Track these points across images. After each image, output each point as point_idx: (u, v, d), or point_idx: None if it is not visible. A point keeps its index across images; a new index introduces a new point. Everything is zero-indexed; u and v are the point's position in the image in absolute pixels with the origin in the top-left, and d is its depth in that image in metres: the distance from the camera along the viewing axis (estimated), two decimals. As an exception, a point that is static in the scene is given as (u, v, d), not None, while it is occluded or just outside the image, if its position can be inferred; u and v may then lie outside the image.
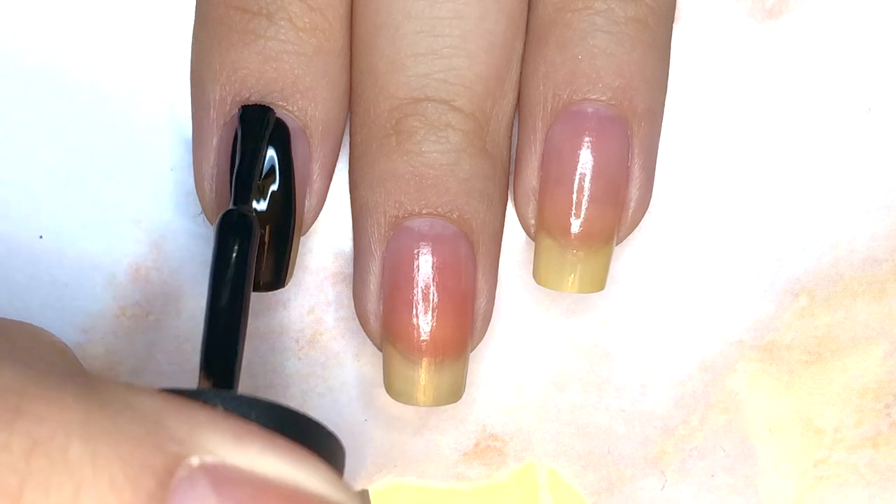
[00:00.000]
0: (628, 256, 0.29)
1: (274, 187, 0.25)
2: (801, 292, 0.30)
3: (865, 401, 0.30)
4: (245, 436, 0.17)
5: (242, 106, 0.25)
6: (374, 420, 0.30)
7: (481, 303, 0.26)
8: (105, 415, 0.16)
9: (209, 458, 0.17)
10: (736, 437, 0.30)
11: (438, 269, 0.25)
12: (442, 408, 0.29)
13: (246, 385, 0.29)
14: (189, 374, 0.29)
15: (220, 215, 0.24)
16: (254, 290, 0.25)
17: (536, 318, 0.30)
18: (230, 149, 0.25)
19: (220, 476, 0.17)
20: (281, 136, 0.25)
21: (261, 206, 0.25)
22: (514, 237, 0.29)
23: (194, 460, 0.16)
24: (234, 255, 0.23)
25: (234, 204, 0.24)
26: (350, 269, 0.29)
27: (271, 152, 0.25)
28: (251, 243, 0.23)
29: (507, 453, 0.30)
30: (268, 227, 0.25)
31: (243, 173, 0.24)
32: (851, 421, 0.30)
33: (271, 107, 0.25)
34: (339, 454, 0.19)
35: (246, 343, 0.28)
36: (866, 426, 0.30)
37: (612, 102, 0.25)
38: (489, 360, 0.30)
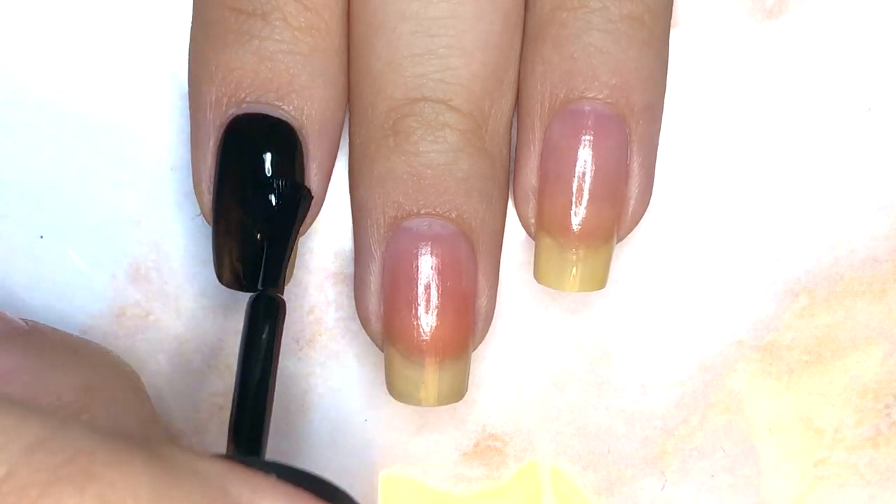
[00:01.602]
0: (628, 256, 0.29)
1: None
2: (801, 292, 0.30)
3: (865, 401, 0.30)
4: (299, 501, 0.18)
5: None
6: (374, 420, 0.30)
7: (482, 302, 0.26)
8: (172, 481, 0.17)
9: None
10: (736, 437, 0.30)
11: (438, 268, 0.25)
12: (442, 408, 0.29)
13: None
14: (189, 374, 0.29)
15: (251, 298, 0.24)
16: (255, 291, 0.26)
17: (536, 318, 0.30)
18: (234, 149, 0.25)
19: None
20: (283, 136, 0.25)
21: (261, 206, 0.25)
22: (514, 236, 0.29)
23: None
24: (265, 336, 0.24)
25: (263, 286, 0.25)
26: (350, 270, 0.29)
27: (273, 153, 0.25)
28: (279, 325, 0.24)
29: (507, 453, 0.30)
30: (267, 228, 0.25)
31: (275, 256, 0.25)
32: (851, 421, 0.30)
33: (301, 187, 0.25)
34: None
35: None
36: (866, 426, 0.30)
37: (609, 101, 0.25)
38: (489, 359, 0.30)
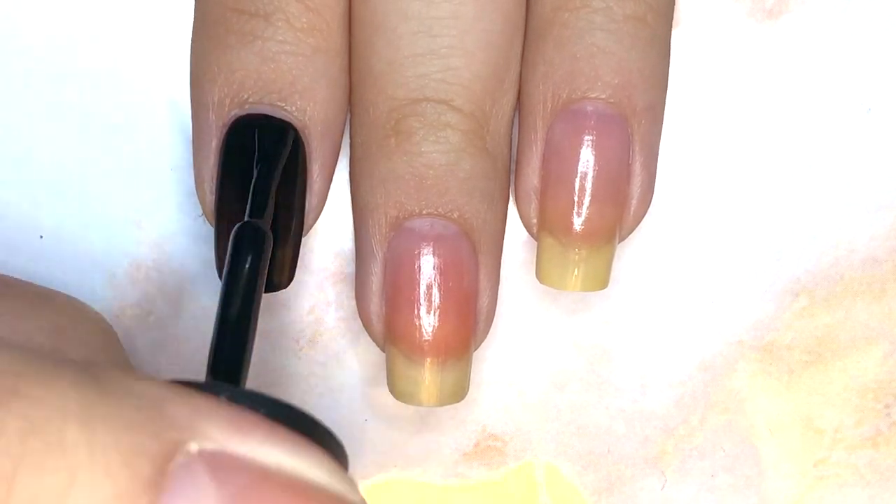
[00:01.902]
0: (628, 256, 0.29)
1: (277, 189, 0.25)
2: (801, 292, 0.30)
3: (865, 401, 0.30)
4: (246, 425, 0.17)
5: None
6: (374, 420, 0.30)
7: (484, 302, 0.26)
8: (104, 400, 0.16)
9: (209, 445, 0.17)
10: (736, 437, 0.30)
11: (440, 269, 0.25)
12: (442, 408, 0.29)
13: (246, 385, 0.29)
14: (190, 374, 0.29)
15: (235, 227, 0.24)
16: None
17: (536, 318, 0.30)
18: (236, 150, 0.25)
19: (219, 463, 0.16)
20: (286, 137, 0.25)
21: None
22: (514, 236, 0.29)
23: (193, 447, 0.16)
24: (248, 266, 0.23)
25: (250, 216, 0.24)
26: (350, 269, 0.29)
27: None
28: (264, 256, 0.23)
29: (507, 453, 0.30)
30: (270, 228, 0.25)
31: (260, 187, 0.25)
32: (851, 421, 0.30)
33: (292, 125, 0.25)
34: (342, 456, 0.19)
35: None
36: (866, 426, 0.30)
37: (612, 100, 0.25)
38: (489, 359, 0.30)
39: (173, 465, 0.16)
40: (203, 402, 0.17)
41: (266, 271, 0.23)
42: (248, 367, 0.22)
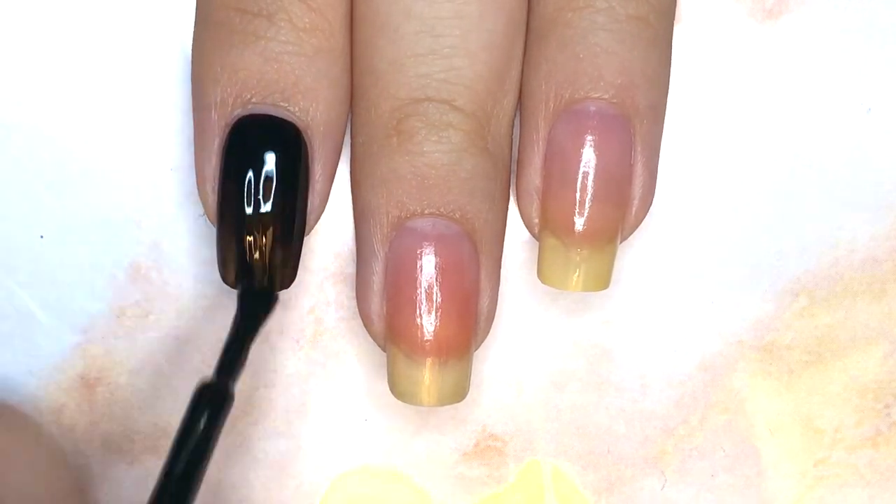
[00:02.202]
0: (628, 256, 0.29)
1: (279, 189, 0.25)
2: (801, 292, 0.30)
3: (865, 401, 0.30)
4: None
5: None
6: (374, 420, 0.30)
7: (484, 302, 0.26)
8: None
9: None
10: (736, 437, 0.30)
11: (442, 269, 0.25)
12: (442, 408, 0.29)
13: (246, 385, 0.29)
14: (189, 374, 0.29)
15: (197, 386, 0.24)
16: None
17: (536, 318, 0.30)
18: (238, 150, 0.25)
19: None
20: (290, 137, 0.25)
21: (266, 207, 0.25)
22: (515, 236, 0.29)
23: None
24: (201, 427, 0.23)
25: (217, 375, 0.24)
26: (350, 270, 0.29)
27: (276, 155, 0.25)
28: (221, 419, 0.24)
29: (507, 453, 0.30)
30: (273, 228, 0.25)
31: (232, 352, 0.25)
32: (851, 421, 0.30)
33: (272, 294, 0.25)
34: None
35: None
36: (866, 426, 0.30)
37: (615, 101, 0.25)
38: (490, 359, 0.30)
39: None
40: None
41: (220, 433, 0.24)
42: None
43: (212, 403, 0.24)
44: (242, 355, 0.25)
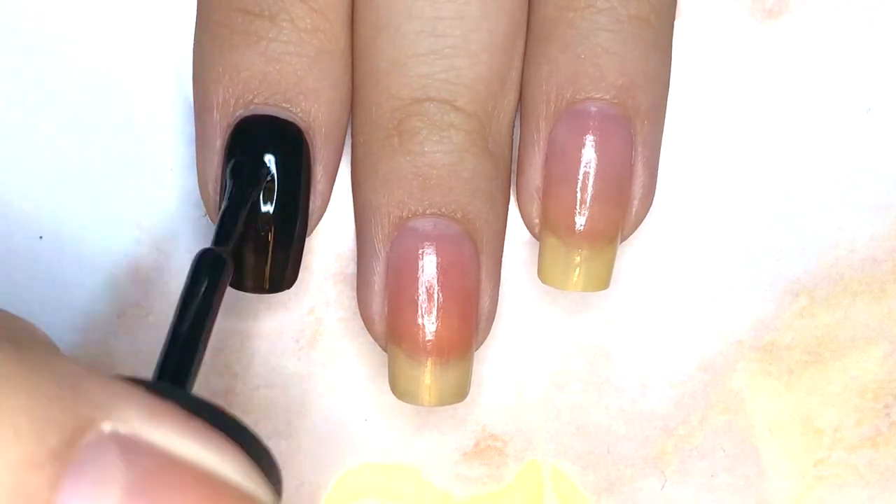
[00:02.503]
0: (629, 256, 0.29)
1: (281, 190, 0.25)
2: (801, 292, 0.30)
3: (865, 401, 0.30)
4: (163, 413, 0.17)
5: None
6: (374, 420, 0.30)
7: (485, 302, 0.26)
8: (22, 368, 0.16)
9: (122, 428, 0.17)
10: (736, 437, 0.30)
11: (443, 268, 0.25)
12: (442, 408, 0.29)
13: (246, 385, 0.29)
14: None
15: (198, 252, 0.24)
16: (259, 292, 0.26)
17: (536, 318, 0.30)
18: (240, 150, 0.25)
19: (130, 446, 0.17)
20: (291, 138, 0.25)
21: (267, 207, 0.25)
22: (515, 236, 0.29)
23: (106, 426, 0.17)
24: (203, 291, 0.23)
25: (214, 243, 0.24)
26: (350, 270, 0.29)
27: (277, 156, 0.25)
28: (221, 284, 0.24)
29: (507, 453, 0.30)
30: (274, 228, 0.25)
31: (228, 217, 0.25)
32: (851, 421, 0.30)
33: (297, 125, 0.25)
34: (269, 466, 0.19)
35: (246, 343, 0.28)
36: (866, 426, 0.30)
37: (616, 101, 0.25)
38: (490, 359, 0.30)
39: (83, 441, 0.16)
40: (122, 387, 0.17)
41: (222, 297, 0.24)
42: (196, 377, 0.23)
43: (212, 268, 0.23)
44: (238, 223, 0.25)
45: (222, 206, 0.25)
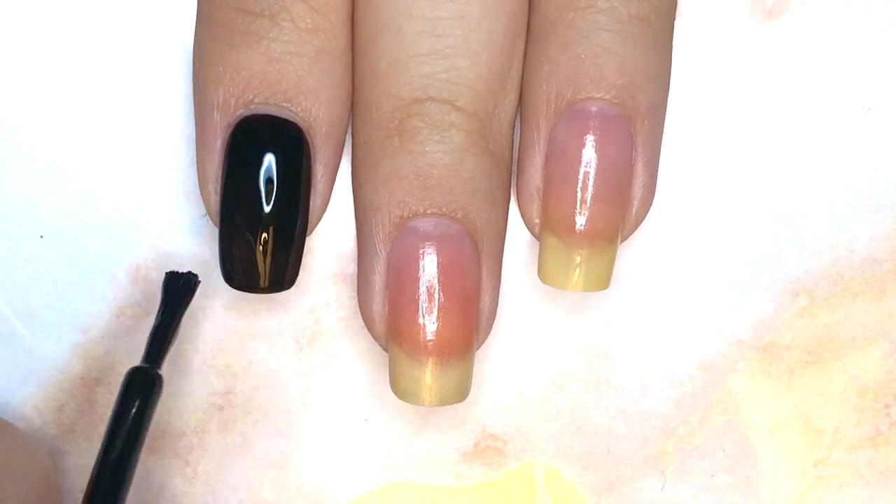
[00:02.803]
0: (629, 256, 0.29)
1: (281, 190, 0.25)
2: (801, 292, 0.30)
3: (865, 401, 0.30)
4: None
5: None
6: (374, 420, 0.30)
7: (485, 302, 0.26)
8: None
9: None
10: (736, 437, 0.30)
11: (443, 268, 0.25)
12: (442, 408, 0.29)
13: (246, 385, 0.29)
14: (188, 374, 0.29)
15: (127, 372, 0.25)
16: (259, 292, 0.26)
17: (536, 319, 0.30)
18: (241, 150, 0.25)
19: None
20: (291, 137, 0.25)
21: (268, 207, 0.25)
22: (515, 236, 0.29)
23: None
24: (134, 411, 0.25)
25: (144, 361, 0.26)
26: (350, 269, 0.29)
27: (277, 155, 0.25)
28: (151, 403, 0.25)
29: (507, 453, 0.30)
30: (274, 228, 0.25)
31: (160, 336, 0.26)
32: (851, 421, 0.30)
33: (194, 277, 0.27)
34: None
35: (246, 343, 0.28)
36: (866, 426, 0.30)
37: (616, 101, 0.25)
38: (490, 359, 0.30)
39: None
40: None
41: (152, 416, 0.25)
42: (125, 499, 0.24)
43: (143, 388, 0.25)
44: (169, 339, 0.26)
45: (154, 324, 0.26)
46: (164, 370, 0.27)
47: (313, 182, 0.26)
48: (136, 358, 0.29)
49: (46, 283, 0.28)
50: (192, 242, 0.29)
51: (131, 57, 0.28)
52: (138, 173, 0.28)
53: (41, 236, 0.28)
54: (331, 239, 0.29)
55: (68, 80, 0.28)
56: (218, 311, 0.29)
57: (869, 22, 0.29)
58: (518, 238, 0.29)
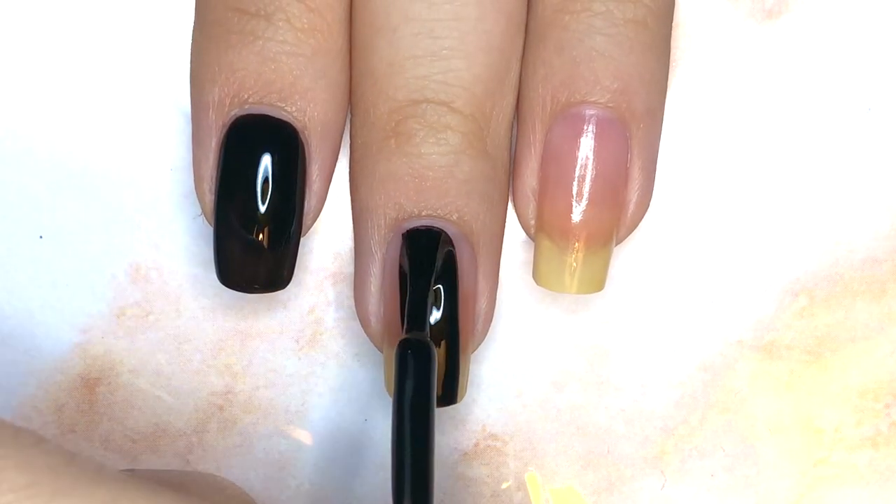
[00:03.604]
0: (628, 256, 0.29)
1: (276, 189, 0.25)
2: (801, 292, 0.30)
3: (865, 401, 0.30)
4: None
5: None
6: (374, 420, 0.30)
7: (482, 304, 0.26)
8: None
9: None
10: (736, 437, 0.30)
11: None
12: (442, 408, 0.29)
13: (246, 385, 0.29)
14: (189, 374, 0.29)
15: (398, 343, 0.24)
16: (254, 292, 0.26)
17: (536, 319, 0.30)
18: (235, 149, 0.25)
19: None
20: (285, 137, 0.25)
21: (263, 207, 0.25)
22: (514, 237, 0.29)
23: None
24: (419, 379, 0.23)
25: (408, 330, 0.25)
26: (350, 270, 0.29)
27: (271, 155, 0.25)
28: (432, 368, 0.24)
29: (507, 453, 0.30)
30: (269, 228, 0.25)
31: (416, 297, 0.25)
32: (851, 421, 0.30)
33: (439, 228, 0.26)
34: None
35: (246, 343, 0.28)
36: (866, 426, 0.30)
37: (611, 105, 0.25)
38: (489, 359, 0.30)
39: None
40: None
41: (436, 387, 0.24)
42: (434, 482, 0.23)
43: (418, 359, 0.24)
44: (427, 307, 0.25)
45: (407, 296, 0.25)
46: (165, 370, 0.27)
47: (308, 182, 0.26)
48: (136, 358, 0.29)
49: (46, 283, 0.28)
50: (191, 242, 0.29)
51: (131, 57, 0.28)
52: (138, 173, 0.28)
53: (41, 236, 0.28)
54: (330, 239, 0.29)
55: (68, 81, 0.28)
56: (218, 311, 0.29)
57: (869, 22, 0.29)
58: (518, 238, 0.29)
